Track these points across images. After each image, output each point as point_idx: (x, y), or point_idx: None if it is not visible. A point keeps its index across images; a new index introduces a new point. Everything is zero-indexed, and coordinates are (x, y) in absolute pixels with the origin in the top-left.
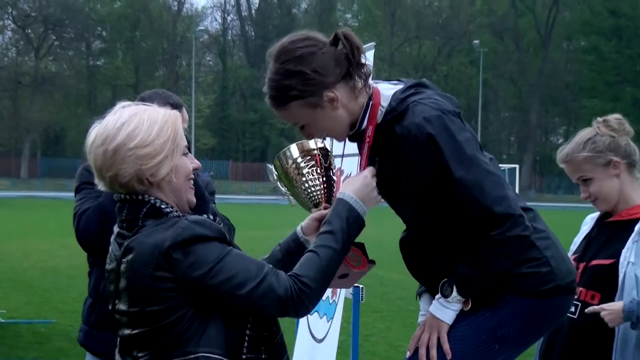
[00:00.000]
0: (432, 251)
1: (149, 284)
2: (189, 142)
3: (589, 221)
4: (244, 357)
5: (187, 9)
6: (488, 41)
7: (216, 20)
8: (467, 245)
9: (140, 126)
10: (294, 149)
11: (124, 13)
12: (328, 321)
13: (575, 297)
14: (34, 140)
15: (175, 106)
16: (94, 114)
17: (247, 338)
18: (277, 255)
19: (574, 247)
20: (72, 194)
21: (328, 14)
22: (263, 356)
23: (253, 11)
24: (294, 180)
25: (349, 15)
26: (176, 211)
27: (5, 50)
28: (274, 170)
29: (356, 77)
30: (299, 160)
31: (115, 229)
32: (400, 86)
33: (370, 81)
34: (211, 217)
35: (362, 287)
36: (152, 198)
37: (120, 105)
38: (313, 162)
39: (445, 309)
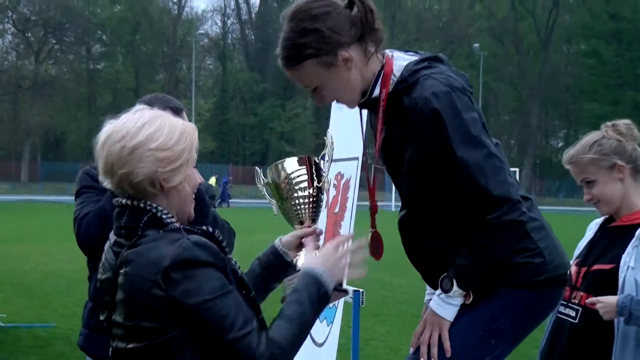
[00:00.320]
0: (430, 232)
1: (146, 299)
2: None
3: (593, 226)
4: None
5: (187, 12)
6: (488, 44)
7: (216, 24)
8: (465, 228)
9: (162, 129)
10: (288, 164)
11: (124, 17)
12: (328, 325)
13: (576, 301)
14: (34, 143)
15: (176, 110)
16: (94, 118)
17: None
18: (257, 269)
19: (577, 251)
20: (73, 197)
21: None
22: None
23: (253, 15)
24: (283, 194)
25: None
26: (176, 222)
27: (5, 54)
28: (262, 177)
29: (369, 41)
30: (292, 176)
31: (112, 236)
32: (415, 58)
33: (387, 51)
34: (210, 222)
35: (362, 291)
36: (154, 206)
37: (138, 107)
38: (305, 180)
39: (446, 305)
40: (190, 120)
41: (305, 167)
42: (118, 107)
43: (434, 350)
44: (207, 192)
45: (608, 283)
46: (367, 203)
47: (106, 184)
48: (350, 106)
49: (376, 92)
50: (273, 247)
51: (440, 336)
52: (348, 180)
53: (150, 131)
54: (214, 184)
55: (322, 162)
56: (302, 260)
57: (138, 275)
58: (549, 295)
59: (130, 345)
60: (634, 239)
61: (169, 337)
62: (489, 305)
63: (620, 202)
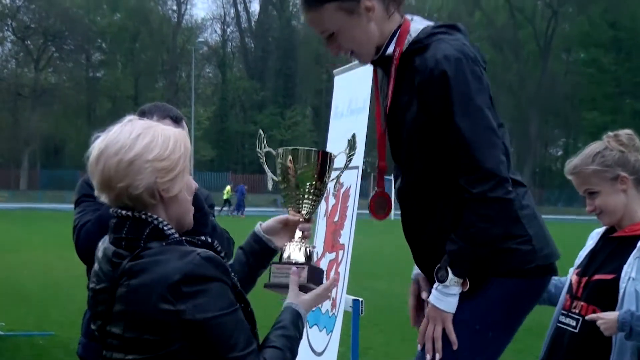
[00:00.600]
0: (425, 210)
1: (151, 313)
2: None
3: (595, 236)
4: None
5: (186, 20)
6: (487, 52)
7: (216, 32)
8: (457, 205)
9: (156, 139)
10: (314, 155)
11: (124, 25)
12: (327, 334)
13: (576, 311)
14: (34, 151)
15: (175, 119)
16: (93, 126)
17: None
18: (242, 258)
19: (578, 261)
20: (72, 205)
21: None
22: None
23: (253, 23)
24: (290, 179)
25: None
26: (176, 232)
27: (5, 62)
28: (264, 143)
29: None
30: (309, 170)
31: (108, 246)
32: (440, 27)
33: (407, 15)
34: (209, 230)
35: (362, 300)
36: (155, 218)
37: (128, 118)
38: (314, 178)
39: (445, 297)
40: (189, 129)
41: (318, 161)
42: (118, 115)
43: (439, 345)
44: (206, 200)
45: (609, 293)
46: (367, 211)
47: (103, 198)
48: (365, 59)
49: (390, 49)
50: (255, 235)
51: (445, 330)
52: (348, 189)
53: (145, 142)
54: (229, 193)
55: (334, 159)
56: (288, 251)
57: (145, 287)
58: (538, 284)
59: (129, 357)
60: (636, 249)
61: (171, 350)
62: (482, 299)
63: (622, 212)
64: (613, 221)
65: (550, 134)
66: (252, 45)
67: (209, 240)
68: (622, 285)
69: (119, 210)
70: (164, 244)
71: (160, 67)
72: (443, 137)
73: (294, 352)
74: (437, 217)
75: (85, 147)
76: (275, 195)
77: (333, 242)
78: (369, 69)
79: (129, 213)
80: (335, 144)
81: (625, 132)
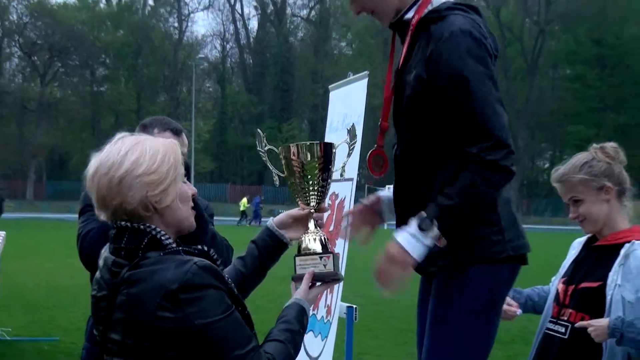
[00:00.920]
0: (416, 174)
1: (149, 321)
2: (188, 166)
3: (577, 245)
4: None
5: (187, 37)
6: None
7: (216, 48)
8: (449, 175)
9: (144, 154)
10: (316, 148)
11: (127, 41)
12: (322, 340)
13: (565, 318)
14: (39, 163)
15: (176, 132)
16: (97, 139)
17: None
18: (254, 251)
19: (562, 270)
20: (76, 215)
21: (324, 42)
22: None
23: (251, 40)
24: (296, 173)
25: (343, 44)
26: (174, 242)
27: (12, 76)
28: (264, 141)
29: None
30: (313, 162)
31: (108, 255)
32: (460, 5)
33: None
34: (209, 238)
35: (356, 307)
36: (153, 228)
37: (118, 136)
38: (319, 169)
39: (417, 243)
40: (190, 142)
41: (327, 152)
42: (120, 129)
43: (392, 287)
44: (206, 210)
45: (596, 300)
46: None
47: (102, 217)
48: (384, 21)
49: (408, 15)
50: (268, 230)
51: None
52: (343, 200)
53: (133, 158)
54: (245, 205)
55: (335, 149)
56: (306, 242)
57: (143, 296)
58: (509, 272)
59: None
60: (620, 257)
61: (168, 356)
62: (465, 288)
63: (604, 221)
64: (594, 229)
65: (537, 147)
66: (251, 61)
67: (206, 249)
68: (608, 292)
69: (118, 221)
70: (161, 253)
71: (162, 82)
72: (441, 108)
73: (297, 346)
74: (425, 186)
75: (89, 159)
76: (272, 206)
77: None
78: (363, 84)
79: (128, 224)
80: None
81: (610, 145)
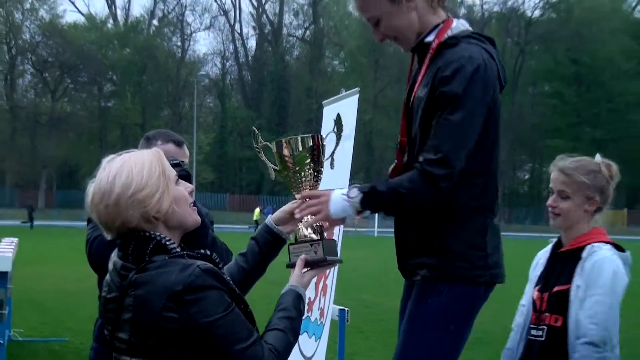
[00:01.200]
0: None
1: (155, 321)
2: (190, 176)
3: (542, 255)
4: None
5: (189, 55)
6: None
7: (216, 65)
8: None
9: (131, 173)
10: (306, 140)
11: (133, 59)
12: (316, 341)
13: (543, 322)
14: (50, 174)
15: (178, 143)
16: (104, 151)
17: None
18: (255, 248)
19: (534, 279)
20: (85, 223)
21: (318, 61)
22: None
23: (250, 58)
24: (290, 163)
25: (336, 62)
26: (178, 245)
27: (25, 92)
28: (260, 139)
29: None
30: (308, 150)
31: (117, 260)
32: (477, 34)
33: (455, 19)
34: (210, 242)
35: (347, 310)
36: (157, 234)
37: (106, 160)
38: (313, 155)
39: (339, 206)
40: (192, 154)
41: (316, 144)
42: (127, 141)
43: (302, 213)
44: (206, 217)
45: (567, 302)
46: (353, 230)
47: (110, 237)
48: (405, 45)
49: (429, 38)
50: (267, 227)
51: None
52: None
53: (122, 181)
54: (258, 215)
55: (324, 140)
56: (302, 231)
57: (149, 297)
58: (484, 290)
59: (134, 359)
60: (581, 260)
61: (171, 354)
62: (439, 297)
63: (573, 224)
64: (561, 226)
65: (518, 160)
66: (249, 78)
67: (208, 252)
68: (572, 293)
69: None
70: (167, 257)
71: (166, 98)
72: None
73: (296, 332)
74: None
75: (97, 170)
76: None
77: None
78: (354, 100)
79: (134, 232)
80: (326, 168)
81: (616, 166)
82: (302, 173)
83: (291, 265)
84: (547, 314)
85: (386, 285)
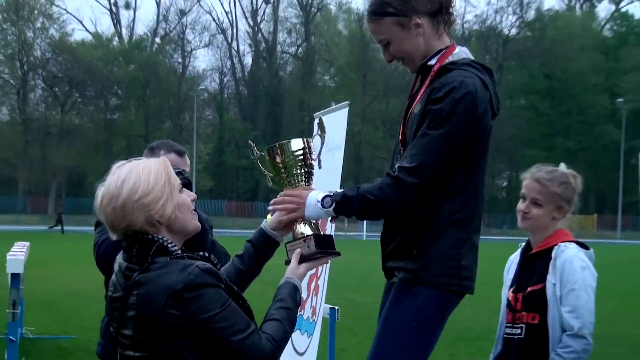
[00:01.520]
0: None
1: (158, 318)
2: (191, 183)
3: (514, 259)
4: None
5: (190, 71)
6: None
7: (215, 81)
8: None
9: (138, 179)
10: (294, 144)
11: (137, 75)
12: (308, 337)
13: (519, 321)
14: (60, 182)
15: (179, 153)
16: (110, 160)
17: None
18: (250, 249)
19: (508, 281)
20: (92, 228)
21: (309, 76)
22: None
23: (246, 73)
24: (282, 168)
25: (327, 77)
26: (180, 248)
27: (36, 105)
28: (256, 151)
29: (441, 21)
30: (297, 153)
31: (122, 262)
32: (476, 63)
33: (459, 46)
34: (209, 245)
35: (338, 309)
36: (160, 237)
37: (116, 166)
38: (302, 157)
39: (314, 208)
40: (192, 162)
41: (303, 146)
42: (130, 151)
43: (278, 210)
44: (206, 222)
45: (542, 300)
46: (343, 234)
47: (115, 237)
48: (411, 67)
49: (432, 61)
50: (261, 230)
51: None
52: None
53: (129, 186)
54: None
55: (311, 142)
56: (298, 230)
57: (152, 296)
58: (455, 298)
59: (138, 354)
60: (552, 259)
61: (172, 348)
62: (414, 300)
63: (542, 228)
64: (529, 228)
65: (496, 168)
66: (245, 92)
67: (207, 254)
68: (548, 293)
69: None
70: (168, 259)
71: (167, 111)
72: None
73: (292, 322)
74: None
75: (103, 178)
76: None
77: None
78: (344, 112)
79: (138, 235)
80: (316, 176)
81: (580, 176)
82: (294, 174)
83: (288, 262)
84: (524, 313)
85: (374, 286)
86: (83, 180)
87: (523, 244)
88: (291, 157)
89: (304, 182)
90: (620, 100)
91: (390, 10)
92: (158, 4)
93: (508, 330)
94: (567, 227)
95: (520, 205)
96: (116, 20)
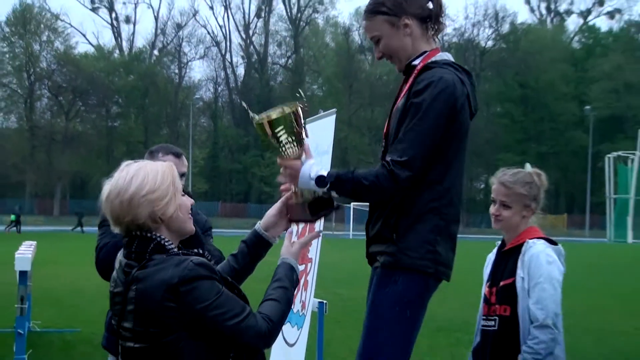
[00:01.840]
0: None
1: (156, 311)
2: (187, 186)
3: (491, 256)
4: None
5: (186, 81)
6: None
7: (209, 90)
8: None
9: (147, 177)
10: (286, 110)
11: (136, 85)
12: (298, 329)
13: (494, 314)
14: (64, 185)
15: (177, 155)
16: (111, 165)
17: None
18: (244, 249)
19: (485, 277)
20: (95, 228)
21: (299, 85)
22: None
23: (239, 83)
24: (274, 140)
25: (315, 87)
26: (176, 247)
27: (42, 113)
28: (256, 116)
29: (430, 26)
30: (289, 124)
31: (122, 259)
32: (456, 64)
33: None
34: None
35: (326, 302)
36: (158, 236)
37: (124, 164)
38: (292, 127)
39: (305, 181)
40: (188, 166)
41: (294, 116)
42: (131, 156)
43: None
44: (205, 223)
45: (513, 293)
46: (330, 233)
47: (117, 230)
48: (398, 66)
49: (416, 62)
50: (255, 231)
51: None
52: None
53: (138, 182)
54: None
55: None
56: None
57: (150, 291)
58: (433, 283)
59: (137, 345)
60: (521, 254)
61: (170, 339)
62: (394, 286)
63: (513, 227)
64: (502, 229)
65: (474, 171)
66: (238, 101)
67: (201, 251)
68: (518, 286)
69: (130, 232)
70: (165, 256)
71: (165, 119)
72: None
73: (289, 301)
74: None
75: (104, 182)
76: (254, 220)
77: (303, 256)
78: (331, 119)
79: (137, 232)
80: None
81: (544, 174)
82: (286, 142)
83: (292, 220)
84: (497, 306)
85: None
86: (86, 184)
87: (499, 242)
88: (282, 129)
89: (295, 148)
90: (587, 107)
91: (383, 10)
92: (156, 19)
93: (484, 323)
94: (539, 225)
95: (492, 209)
96: (117, 33)
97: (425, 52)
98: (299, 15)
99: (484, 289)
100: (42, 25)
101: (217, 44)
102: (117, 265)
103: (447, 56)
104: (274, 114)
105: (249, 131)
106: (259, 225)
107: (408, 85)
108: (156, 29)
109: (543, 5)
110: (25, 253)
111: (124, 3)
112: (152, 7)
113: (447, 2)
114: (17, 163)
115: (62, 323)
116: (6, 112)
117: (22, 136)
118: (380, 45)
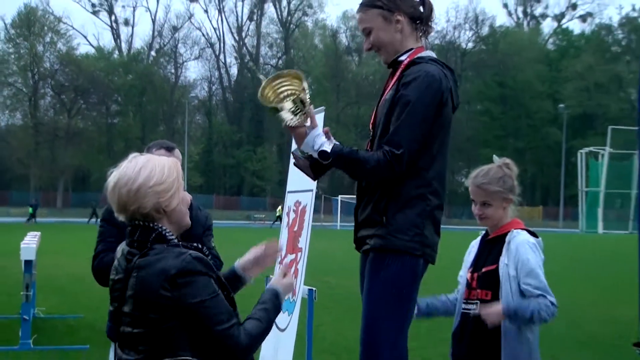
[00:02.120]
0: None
1: (153, 297)
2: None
3: (475, 244)
4: None
5: (182, 80)
6: None
7: (204, 89)
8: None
9: (154, 169)
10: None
11: (135, 84)
12: (289, 315)
13: (474, 298)
14: (67, 179)
15: (169, 149)
16: (111, 160)
17: None
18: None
19: (467, 264)
20: (94, 220)
21: None
22: None
23: (232, 82)
24: (275, 102)
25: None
26: (176, 238)
27: (46, 111)
28: (262, 77)
29: (420, 27)
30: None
31: (124, 247)
32: (441, 61)
33: (427, 50)
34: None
35: (315, 290)
36: (159, 226)
37: (132, 155)
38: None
39: (309, 147)
40: (183, 161)
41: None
42: (129, 152)
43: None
44: (207, 219)
45: (494, 279)
46: (319, 224)
47: (121, 218)
48: (385, 58)
49: (402, 57)
50: (233, 270)
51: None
52: (305, 207)
53: (146, 173)
54: (280, 212)
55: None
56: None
57: (149, 279)
58: (423, 263)
59: (136, 330)
60: (505, 243)
61: (168, 326)
62: (387, 271)
63: (498, 222)
64: (490, 225)
65: (456, 166)
66: (232, 99)
67: (200, 246)
68: (501, 272)
69: (134, 221)
70: (165, 246)
71: (161, 116)
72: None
73: (270, 321)
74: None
75: (105, 176)
76: (247, 212)
77: (293, 246)
78: (320, 117)
79: (140, 222)
80: (294, 173)
81: (511, 162)
82: (292, 110)
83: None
84: (478, 290)
85: (348, 270)
86: (87, 178)
87: (483, 232)
88: (287, 88)
89: (299, 115)
90: (561, 105)
91: (379, 4)
92: (153, 21)
93: (465, 306)
94: (517, 216)
95: (474, 209)
96: (116, 35)
97: (411, 49)
98: (289, 18)
99: (467, 274)
100: (45, 28)
101: (212, 45)
102: (118, 254)
103: (432, 54)
104: (280, 77)
105: (242, 127)
106: (238, 263)
107: (395, 78)
108: (153, 31)
109: (520, 9)
110: (30, 243)
111: (123, 6)
112: (149, 10)
113: None
114: (22, 158)
115: (66, 309)
116: (12, 110)
117: (26, 132)
118: (371, 36)
